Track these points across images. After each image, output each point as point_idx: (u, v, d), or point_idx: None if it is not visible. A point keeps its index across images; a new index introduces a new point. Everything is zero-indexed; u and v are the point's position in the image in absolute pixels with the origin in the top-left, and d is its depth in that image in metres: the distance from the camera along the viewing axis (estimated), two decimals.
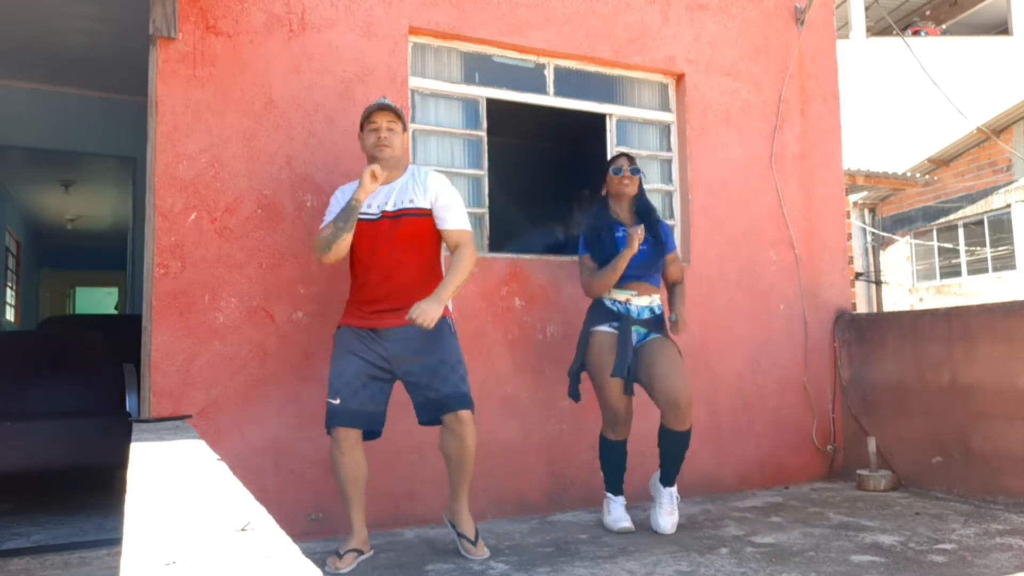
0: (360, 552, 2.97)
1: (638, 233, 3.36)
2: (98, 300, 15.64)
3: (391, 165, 3.06)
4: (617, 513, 3.49)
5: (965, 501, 3.92)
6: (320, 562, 2.88)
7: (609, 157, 3.93)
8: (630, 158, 3.63)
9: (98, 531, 3.41)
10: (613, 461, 3.56)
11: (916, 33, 16.49)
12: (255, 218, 3.39)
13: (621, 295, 3.50)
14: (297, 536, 2.96)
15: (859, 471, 4.38)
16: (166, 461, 1.67)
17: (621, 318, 3.48)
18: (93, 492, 4.31)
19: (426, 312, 2.82)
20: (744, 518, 3.65)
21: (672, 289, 3.75)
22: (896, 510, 3.77)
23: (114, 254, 11.12)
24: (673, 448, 3.48)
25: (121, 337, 4.43)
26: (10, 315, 10.75)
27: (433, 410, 3.01)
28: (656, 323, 3.54)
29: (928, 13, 18.15)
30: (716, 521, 3.60)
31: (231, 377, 3.27)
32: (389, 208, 3.02)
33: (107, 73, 5.48)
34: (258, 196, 3.40)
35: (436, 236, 3.08)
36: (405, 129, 3.14)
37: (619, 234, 3.52)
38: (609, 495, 3.55)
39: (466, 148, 4.03)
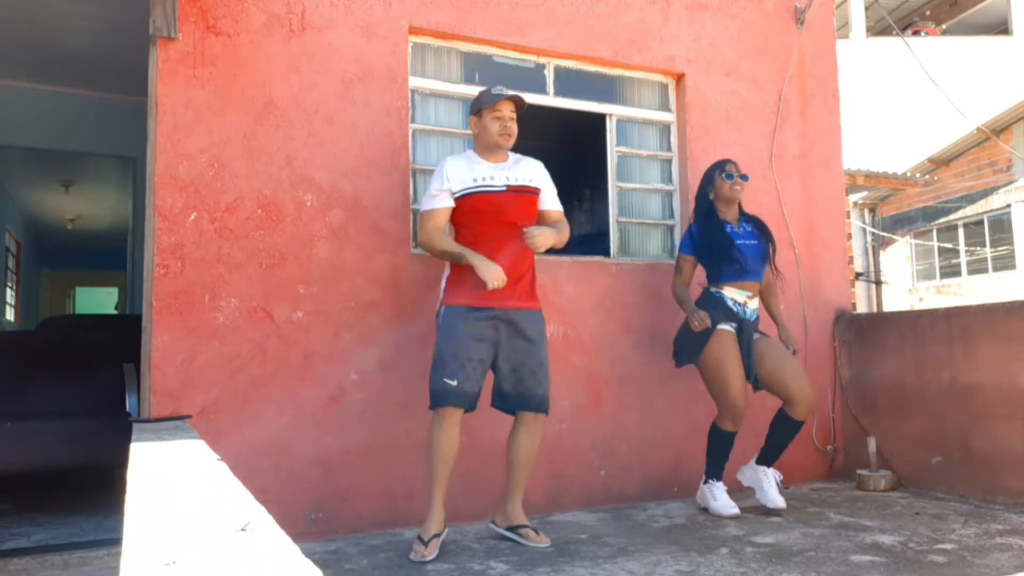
0: (439, 535, 3.05)
1: (701, 319, 3.62)
2: (98, 300, 15.65)
3: (505, 153, 3.28)
4: (724, 499, 3.70)
5: (965, 501, 3.92)
6: (320, 562, 2.88)
7: (715, 161, 3.92)
8: (735, 163, 3.84)
9: (98, 531, 3.41)
10: (724, 449, 3.76)
11: (916, 33, 16.49)
12: (255, 218, 3.39)
13: (740, 296, 3.72)
14: (297, 536, 2.96)
15: (859, 471, 4.38)
16: (166, 461, 1.67)
17: (741, 321, 3.69)
18: (93, 492, 4.31)
19: (543, 235, 3.11)
20: (744, 518, 3.65)
21: (769, 305, 3.96)
22: (896, 510, 3.77)
23: (114, 254, 11.12)
24: (789, 434, 3.78)
25: (121, 337, 4.43)
26: (10, 315, 10.75)
27: (515, 402, 3.20)
28: (757, 323, 3.79)
29: (928, 13, 18.15)
30: (716, 521, 3.60)
31: (231, 377, 3.27)
32: (513, 183, 3.19)
33: (107, 73, 5.48)
34: (258, 196, 3.40)
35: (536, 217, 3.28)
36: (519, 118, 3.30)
37: (728, 229, 3.76)
38: (713, 481, 3.75)
39: (466, 148, 4.02)
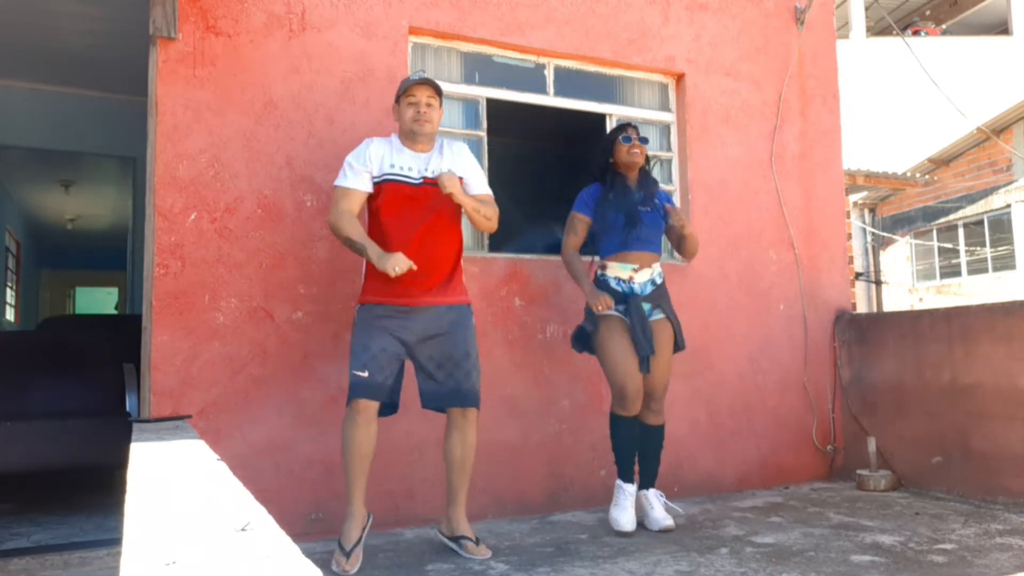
0: (361, 541, 2.91)
1: (605, 302, 3.38)
2: (98, 300, 15.66)
3: (428, 140, 3.09)
4: (625, 507, 3.39)
5: (965, 501, 3.92)
6: (320, 562, 2.88)
7: (614, 127, 3.91)
8: (636, 127, 3.65)
9: (98, 531, 3.41)
10: (625, 437, 3.43)
11: (916, 33, 16.49)
12: (255, 218, 3.39)
13: (624, 272, 3.48)
14: (297, 536, 2.96)
15: (859, 471, 4.38)
16: (166, 461, 1.67)
17: (627, 299, 3.46)
18: (93, 492, 4.31)
19: (452, 178, 2.93)
20: (744, 518, 3.65)
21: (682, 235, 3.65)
22: (896, 510, 3.77)
23: (114, 254, 11.12)
24: (648, 444, 3.51)
25: (121, 337, 4.43)
26: (10, 315, 10.75)
27: (443, 398, 3.05)
28: (660, 294, 3.54)
29: (928, 13, 18.15)
30: (716, 521, 3.60)
31: (231, 377, 3.27)
32: (430, 175, 3.04)
33: (107, 73, 5.48)
34: (258, 196, 3.40)
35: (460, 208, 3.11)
36: (441, 105, 3.15)
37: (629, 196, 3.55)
38: (620, 482, 3.43)
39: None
